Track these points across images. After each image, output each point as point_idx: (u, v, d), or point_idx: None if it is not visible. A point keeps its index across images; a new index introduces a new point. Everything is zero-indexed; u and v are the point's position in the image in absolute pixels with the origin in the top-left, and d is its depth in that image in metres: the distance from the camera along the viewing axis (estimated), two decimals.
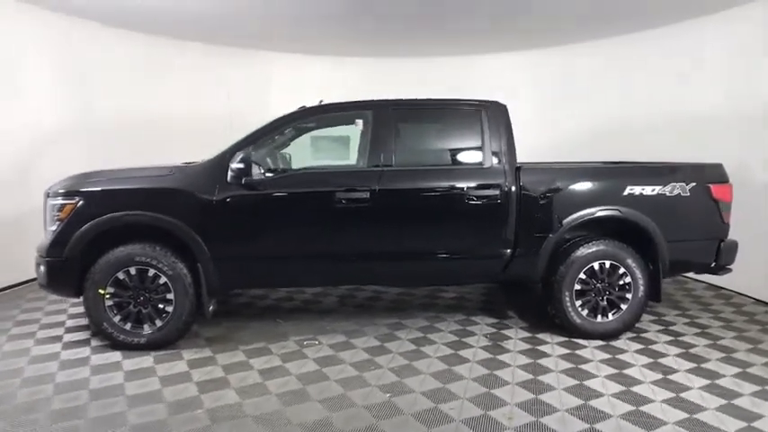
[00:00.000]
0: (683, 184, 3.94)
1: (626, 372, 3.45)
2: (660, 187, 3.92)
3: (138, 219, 3.61)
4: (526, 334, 4.14)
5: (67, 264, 3.60)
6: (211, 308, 3.84)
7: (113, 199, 3.65)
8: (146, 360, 3.58)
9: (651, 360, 3.64)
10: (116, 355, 3.64)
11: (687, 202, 3.97)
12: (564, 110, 7.18)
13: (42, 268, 3.64)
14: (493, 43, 7.03)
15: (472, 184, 3.82)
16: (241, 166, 3.53)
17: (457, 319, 4.46)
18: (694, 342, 3.99)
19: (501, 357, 3.68)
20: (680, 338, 4.06)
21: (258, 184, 3.70)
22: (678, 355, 3.73)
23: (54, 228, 3.64)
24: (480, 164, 3.90)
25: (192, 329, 4.16)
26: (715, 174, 4.06)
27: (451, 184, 3.83)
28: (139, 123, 6.49)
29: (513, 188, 3.86)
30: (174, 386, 3.21)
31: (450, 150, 4.03)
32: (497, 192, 3.83)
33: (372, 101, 3.95)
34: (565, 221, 3.88)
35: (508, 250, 3.93)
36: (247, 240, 3.78)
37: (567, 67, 7.12)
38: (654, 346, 3.89)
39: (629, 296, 3.99)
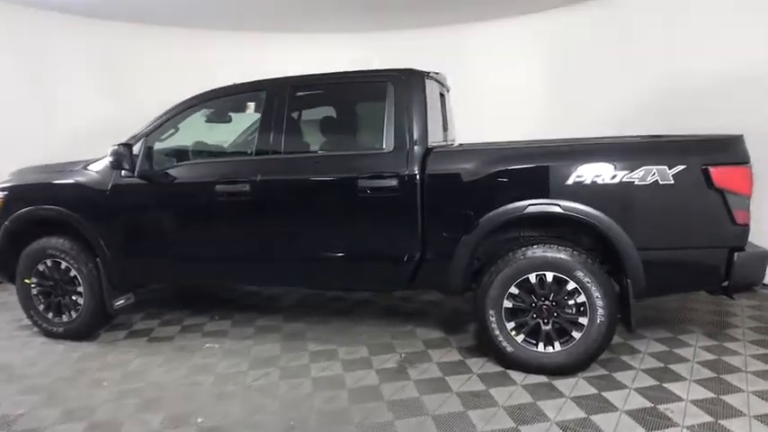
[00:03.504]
0: (664, 167, 2.73)
1: (524, 429, 2.53)
2: (625, 173, 2.77)
3: (47, 213, 3.72)
4: (455, 358, 3.33)
5: (2, 254, 3.88)
6: (121, 302, 3.82)
7: (29, 193, 3.81)
8: (59, 347, 3.72)
9: (583, 416, 2.62)
10: (47, 339, 3.87)
11: (670, 193, 2.74)
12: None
13: None
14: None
15: (365, 173, 3.13)
16: (111, 159, 3.40)
17: (396, 331, 3.79)
18: (679, 394, 2.77)
19: (386, 385, 2.99)
20: (666, 385, 2.87)
21: (150, 176, 3.54)
22: (631, 413, 2.62)
23: None
24: (379, 148, 3.19)
25: (132, 321, 4.23)
26: (719, 152, 2.73)
27: (340, 173, 3.20)
28: None
29: (418, 177, 3.08)
30: (48, 370, 3.31)
31: (347, 133, 3.39)
32: (395, 182, 3.09)
33: (268, 80, 3.47)
34: (482, 220, 2.98)
35: (416, 253, 3.17)
36: (138, 235, 3.64)
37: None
38: (610, 394, 2.80)
39: (583, 321, 2.94)
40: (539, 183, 2.90)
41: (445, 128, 3.99)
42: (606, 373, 3.05)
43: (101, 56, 6.27)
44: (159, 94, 5.62)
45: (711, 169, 2.67)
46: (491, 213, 2.96)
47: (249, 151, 3.46)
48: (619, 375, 3.02)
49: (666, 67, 4.98)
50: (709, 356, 3.22)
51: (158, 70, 6.52)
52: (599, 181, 2.80)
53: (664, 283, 2.93)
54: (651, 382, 2.93)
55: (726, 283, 2.82)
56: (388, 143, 3.17)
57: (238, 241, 3.44)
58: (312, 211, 3.29)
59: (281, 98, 3.37)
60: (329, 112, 3.62)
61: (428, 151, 3.13)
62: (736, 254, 2.74)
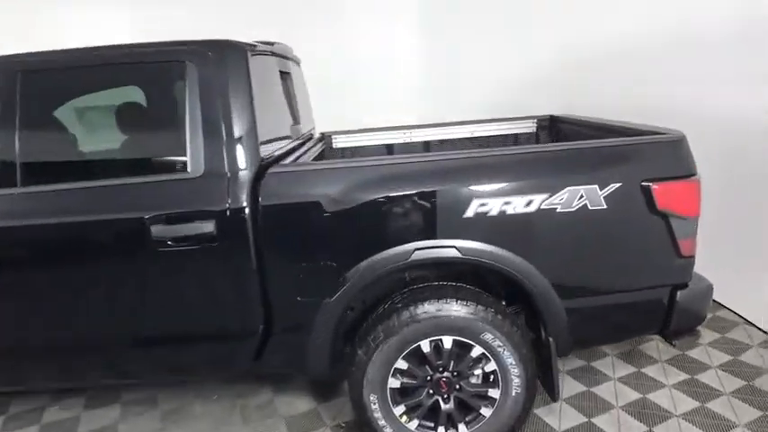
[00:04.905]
0: (593, 187, 1.94)
1: None
2: (545, 197, 1.95)
3: None
4: None
5: None
6: None
7: None
8: None
9: None
10: None
11: (602, 221, 1.98)
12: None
13: None
14: None
15: (160, 215, 1.97)
16: None
17: (249, 407, 2.75)
18: None
19: None
20: None
21: None
22: None
23: None
24: (181, 170, 2.02)
25: None
26: (661, 161, 2.01)
27: (118, 214, 2.00)
28: None
29: (247, 212, 1.99)
30: None
31: (127, 146, 2.18)
32: (210, 226, 1.97)
33: None
34: (350, 274, 2.01)
35: (257, 327, 2.12)
36: None
37: None
38: None
39: (494, 394, 2.16)
40: (427, 215, 1.98)
41: (295, 119, 2.90)
42: None
43: None
44: None
45: (654, 187, 1.94)
46: (362, 264, 1.99)
47: None
48: None
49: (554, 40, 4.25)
50: (633, 395, 2.66)
51: None
52: (509, 210, 1.94)
53: (592, 335, 2.24)
54: None
55: (664, 327, 2.19)
56: (193, 162, 2.01)
57: None
58: (80, 277, 2.07)
59: (8, 90, 2.02)
60: (95, 113, 2.31)
61: (261, 170, 2.04)
62: (679, 292, 2.10)
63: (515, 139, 3.68)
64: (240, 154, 2.01)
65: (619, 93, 3.64)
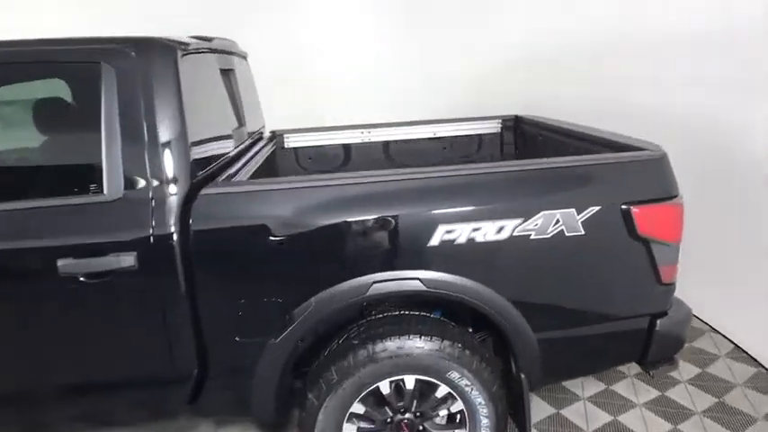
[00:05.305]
0: (570, 211, 1.74)
1: None
2: (518, 222, 1.73)
3: None
4: None
5: None
6: None
7: None
8: None
9: None
10: None
11: (580, 248, 1.78)
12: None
13: None
14: None
15: (68, 248, 1.65)
16: None
17: None
18: None
19: None
20: None
21: None
22: None
23: None
24: (95, 192, 1.70)
25: None
26: (642, 182, 1.83)
27: (17, 245, 1.67)
28: None
29: (175, 240, 1.69)
30: None
31: (29, 164, 1.84)
32: (131, 259, 1.66)
33: None
34: (298, 311, 1.75)
35: (190, 370, 1.84)
36: None
37: None
38: None
39: None
40: (387, 244, 1.73)
41: (240, 121, 2.59)
42: None
43: None
44: None
45: (635, 210, 1.76)
46: (312, 300, 1.73)
47: None
48: None
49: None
50: (604, 417, 2.53)
51: None
52: (479, 238, 1.72)
53: (567, 368, 2.06)
54: None
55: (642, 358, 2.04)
56: (110, 183, 1.68)
57: None
58: None
59: None
60: None
61: (193, 190, 1.74)
62: (658, 321, 1.94)
63: (480, 139, 3.48)
64: (167, 172, 1.70)
65: (587, 94, 3.49)
